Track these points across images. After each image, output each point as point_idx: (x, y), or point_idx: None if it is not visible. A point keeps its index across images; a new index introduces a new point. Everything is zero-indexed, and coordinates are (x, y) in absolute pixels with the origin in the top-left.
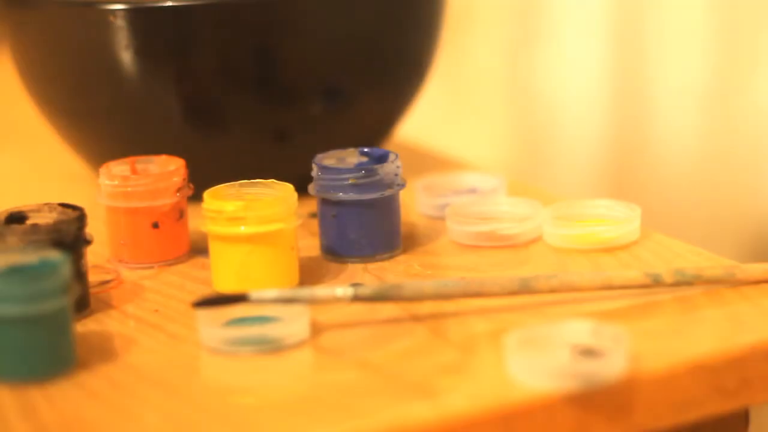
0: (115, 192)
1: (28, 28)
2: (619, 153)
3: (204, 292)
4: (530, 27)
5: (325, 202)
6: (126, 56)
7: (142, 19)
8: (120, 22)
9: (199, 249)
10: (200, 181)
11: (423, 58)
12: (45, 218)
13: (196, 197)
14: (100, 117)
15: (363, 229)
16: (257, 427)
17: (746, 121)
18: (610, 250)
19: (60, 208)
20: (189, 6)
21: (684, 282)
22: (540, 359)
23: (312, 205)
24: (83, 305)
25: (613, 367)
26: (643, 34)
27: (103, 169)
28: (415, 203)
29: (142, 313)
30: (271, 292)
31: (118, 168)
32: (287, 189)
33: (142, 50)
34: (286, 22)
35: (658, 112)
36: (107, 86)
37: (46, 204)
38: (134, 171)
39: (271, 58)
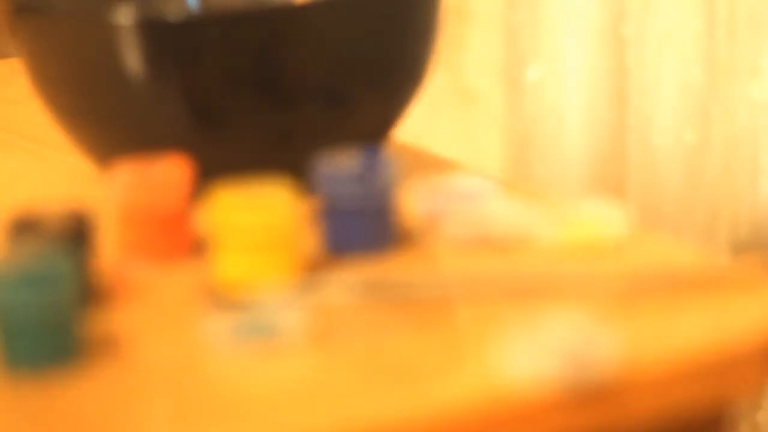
0: (121, 191)
1: (42, 39)
2: (614, 153)
3: (206, 290)
4: (527, 28)
5: (324, 200)
6: (136, 66)
7: (152, 32)
8: (131, 36)
9: (201, 248)
10: (203, 180)
11: (420, 63)
12: (53, 219)
13: (200, 196)
14: (109, 122)
15: (361, 228)
16: (254, 419)
17: (739, 121)
18: (603, 249)
19: (68, 209)
20: (198, 20)
21: (672, 283)
22: (531, 358)
23: (312, 204)
24: (89, 305)
25: (602, 367)
26: (638, 34)
27: (109, 169)
28: (412, 204)
29: (145, 311)
30: (272, 291)
31: (124, 167)
32: (288, 188)
33: (152, 61)
34: (291, 34)
35: (653, 113)
36: (118, 94)
37: (53, 204)
38: (139, 170)
39: (276, 67)
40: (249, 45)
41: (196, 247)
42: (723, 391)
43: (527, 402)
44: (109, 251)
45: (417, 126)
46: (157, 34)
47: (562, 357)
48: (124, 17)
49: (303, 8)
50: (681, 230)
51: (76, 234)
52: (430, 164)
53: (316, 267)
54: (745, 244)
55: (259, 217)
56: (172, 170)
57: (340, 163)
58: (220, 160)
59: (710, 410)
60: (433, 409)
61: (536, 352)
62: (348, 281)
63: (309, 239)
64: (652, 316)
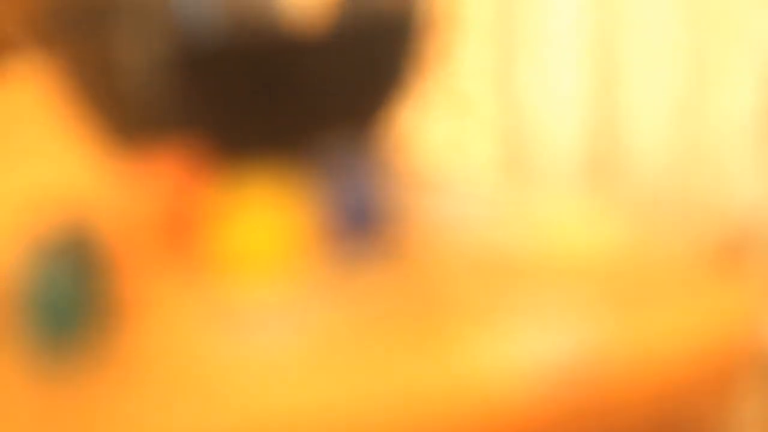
0: (132, 187)
1: (83, 58)
2: (603, 158)
3: (211, 279)
4: (519, 34)
5: (324, 187)
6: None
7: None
8: (163, 68)
9: (206, 237)
10: (208, 173)
11: (410, 78)
12: (59, 233)
13: (205, 193)
14: (134, 129)
15: (353, 229)
16: (246, 407)
17: (723, 125)
18: (590, 255)
19: (74, 218)
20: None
21: (655, 290)
22: (515, 365)
23: (310, 196)
24: (98, 310)
25: (582, 374)
26: (626, 40)
27: (128, 165)
28: (406, 209)
29: (150, 303)
30: (273, 289)
31: (140, 162)
32: (290, 176)
33: (184, 90)
34: (303, 64)
35: (641, 118)
36: (148, 107)
37: (58, 212)
38: (151, 165)
39: (292, 88)
40: (270, 71)
41: (199, 239)
42: (697, 401)
43: (510, 409)
44: (114, 253)
45: (410, 131)
46: (184, 66)
47: (545, 365)
48: (148, 49)
49: (312, 44)
50: (667, 233)
51: (83, 245)
52: (423, 173)
53: (315, 253)
54: (729, 246)
55: (258, 204)
56: (177, 170)
57: (340, 154)
58: (231, 157)
59: (684, 420)
60: (415, 415)
61: (520, 359)
62: (339, 287)
63: (306, 238)
64: (634, 322)
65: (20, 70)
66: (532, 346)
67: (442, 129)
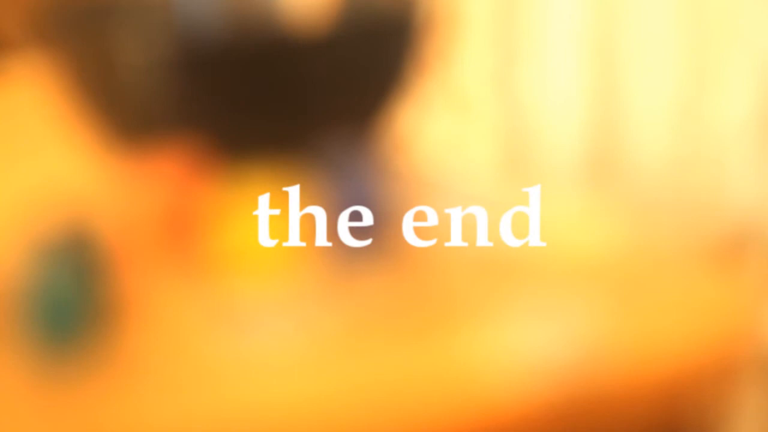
0: (132, 187)
1: (88, 55)
2: (603, 158)
3: (211, 279)
4: (515, 42)
5: (324, 187)
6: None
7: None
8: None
9: (206, 237)
10: (208, 173)
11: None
12: (59, 233)
13: (207, 188)
14: (134, 129)
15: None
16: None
17: (722, 128)
18: (590, 257)
19: (83, 221)
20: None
21: (653, 291)
22: (510, 367)
23: (309, 196)
24: (105, 308)
25: (577, 377)
26: (619, 47)
27: (128, 164)
28: (406, 209)
29: (151, 303)
30: (272, 293)
31: (140, 162)
32: (290, 176)
33: (190, 93)
34: (309, 66)
35: (632, 120)
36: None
37: (57, 212)
38: (151, 165)
39: (292, 88)
40: (270, 71)
41: (199, 236)
42: (696, 399)
43: (509, 407)
44: (114, 253)
45: (410, 131)
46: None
47: (545, 364)
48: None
49: (315, 46)
50: (667, 233)
51: (84, 245)
52: (423, 173)
53: (312, 268)
54: (729, 246)
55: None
56: (177, 170)
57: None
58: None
59: (684, 418)
60: (415, 413)
61: (520, 358)
62: (339, 287)
63: (307, 229)
64: (634, 321)
65: (20, 70)
66: (532, 345)
67: (442, 129)
